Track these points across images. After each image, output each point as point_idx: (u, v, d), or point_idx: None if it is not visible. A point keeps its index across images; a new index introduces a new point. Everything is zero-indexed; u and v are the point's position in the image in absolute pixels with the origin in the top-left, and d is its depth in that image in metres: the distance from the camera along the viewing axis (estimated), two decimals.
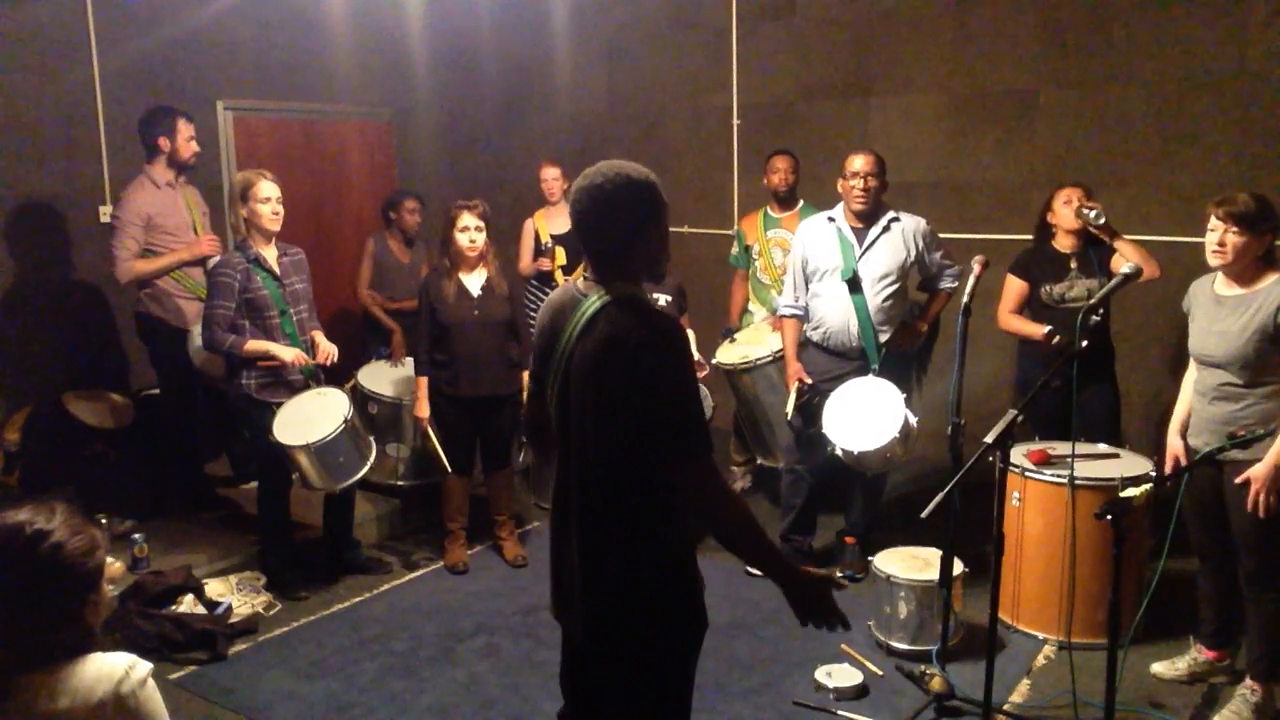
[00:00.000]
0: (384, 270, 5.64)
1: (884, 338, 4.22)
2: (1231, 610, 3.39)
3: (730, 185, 6.37)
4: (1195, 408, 3.26)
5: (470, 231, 4.37)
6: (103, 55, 5.32)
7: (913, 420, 4.04)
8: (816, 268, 4.26)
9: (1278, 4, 4.64)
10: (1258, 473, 3.02)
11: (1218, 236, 3.06)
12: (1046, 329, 4.05)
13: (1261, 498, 3.01)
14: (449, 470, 4.51)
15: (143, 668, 1.74)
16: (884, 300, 4.19)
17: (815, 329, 4.30)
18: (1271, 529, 3.09)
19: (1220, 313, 3.13)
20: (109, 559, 4.12)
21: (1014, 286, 4.30)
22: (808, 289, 4.32)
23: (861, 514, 4.48)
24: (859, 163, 4.18)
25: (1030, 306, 4.27)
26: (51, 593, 1.67)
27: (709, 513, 2.10)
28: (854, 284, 4.17)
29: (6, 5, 4.96)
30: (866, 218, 4.22)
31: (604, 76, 6.83)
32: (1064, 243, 4.19)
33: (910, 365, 4.48)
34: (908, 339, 4.35)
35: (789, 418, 4.32)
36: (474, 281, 4.46)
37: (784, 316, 4.43)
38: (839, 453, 4.06)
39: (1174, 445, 3.38)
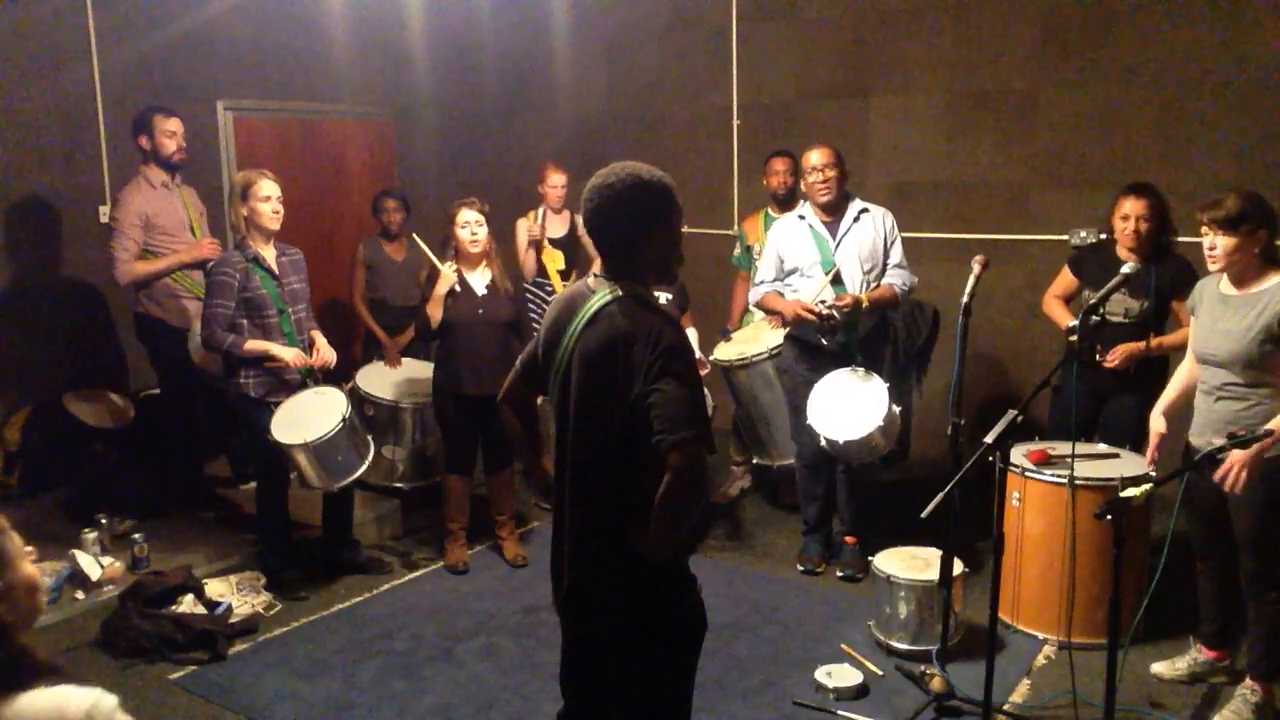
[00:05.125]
0: (378, 271, 5.64)
1: (864, 328, 4.25)
2: (1232, 610, 3.39)
3: (730, 185, 6.37)
4: (1199, 407, 3.26)
5: (470, 226, 4.38)
6: (103, 55, 5.32)
7: (895, 410, 4.06)
8: (795, 265, 4.30)
9: (1278, 4, 4.64)
10: (1237, 456, 2.99)
11: (1209, 241, 3.10)
12: (1070, 324, 3.94)
13: (1233, 473, 2.98)
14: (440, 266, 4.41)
15: (109, 701, 1.37)
16: (865, 290, 4.21)
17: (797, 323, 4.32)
18: (1273, 529, 3.08)
19: (1225, 312, 3.14)
20: (110, 559, 4.14)
21: (1065, 278, 4.21)
22: (784, 281, 4.36)
23: (846, 507, 4.49)
24: (815, 158, 4.23)
25: (1076, 306, 4.14)
26: None
27: (690, 493, 2.06)
28: (836, 278, 4.20)
29: (6, 5, 4.96)
30: (834, 209, 4.25)
31: (604, 76, 6.83)
32: (1125, 252, 3.98)
33: (885, 354, 4.47)
34: (845, 304, 4.12)
35: (823, 325, 4.14)
36: (478, 281, 4.47)
37: (765, 294, 4.40)
38: (823, 443, 4.10)
39: (1156, 426, 3.42)
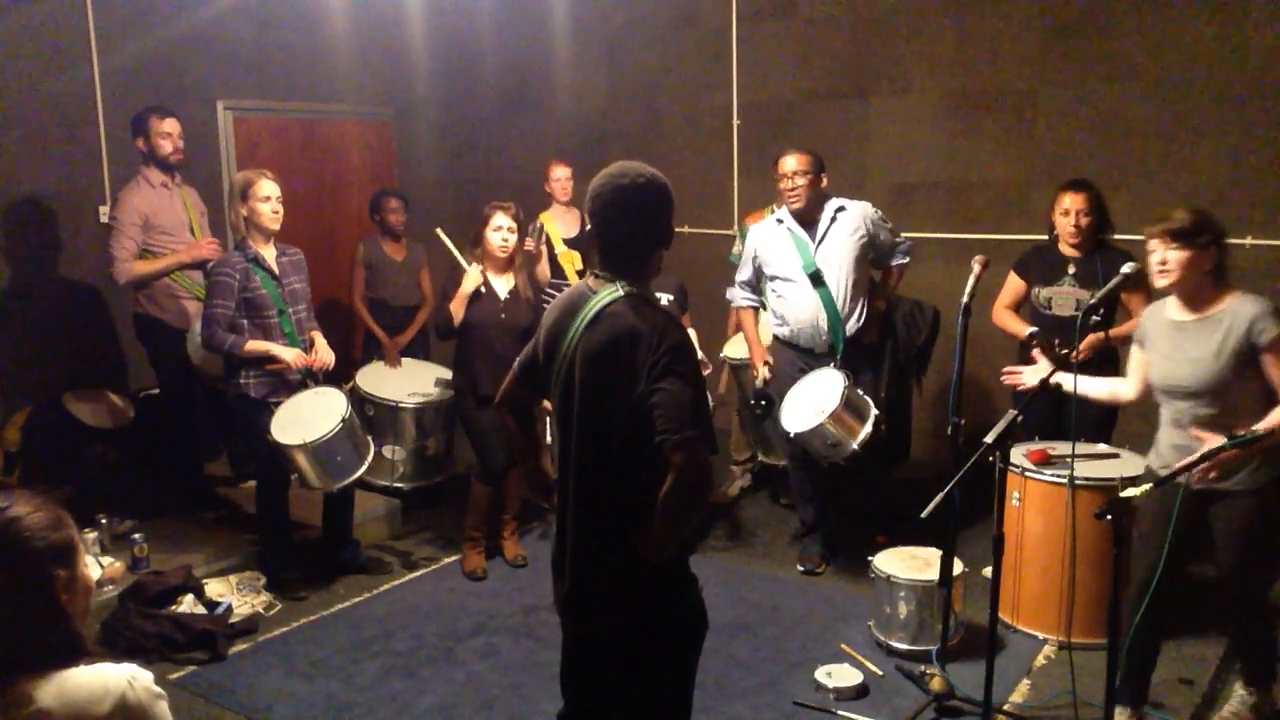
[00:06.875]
0: (378, 271, 5.64)
1: (851, 327, 4.26)
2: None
3: (730, 185, 6.37)
4: (1171, 439, 3.10)
5: (503, 231, 4.39)
6: (103, 55, 5.31)
7: (859, 407, 4.05)
8: (775, 271, 4.31)
9: (1278, 4, 4.64)
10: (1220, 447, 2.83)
11: (1159, 256, 2.94)
12: (1029, 331, 4.00)
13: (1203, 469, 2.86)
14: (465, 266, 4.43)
15: (145, 676, 1.61)
16: (849, 288, 4.23)
17: (781, 326, 4.35)
18: (1256, 557, 3.04)
19: (1184, 339, 2.98)
20: (110, 559, 4.14)
21: (1012, 283, 4.27)
22: (764, 287, 4.39)
23: (869, 505, 4.51)
24: (788, 164, 4.22)
25: (1029, 307, 4.24)
26: (15, 569, 1.54)
27: (693, 492, 2.07)
28: (817, 278, 4.21)
29: (6, 5, 4.96)
30: (808, 213, 4.26)
31: (604, 76, 6.83)
32: (1066, 247, 4.09)
33: (885, 354, 4.50)
34: (871, 330, 4.35)
35: (751, 401, 4.42)
36: (501, 285, 4.47)
37: (741, 308, 4.50)
38: (791, 438, 4.12)
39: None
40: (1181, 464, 2.80)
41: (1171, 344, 3.01)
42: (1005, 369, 3.44)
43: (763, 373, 4.36)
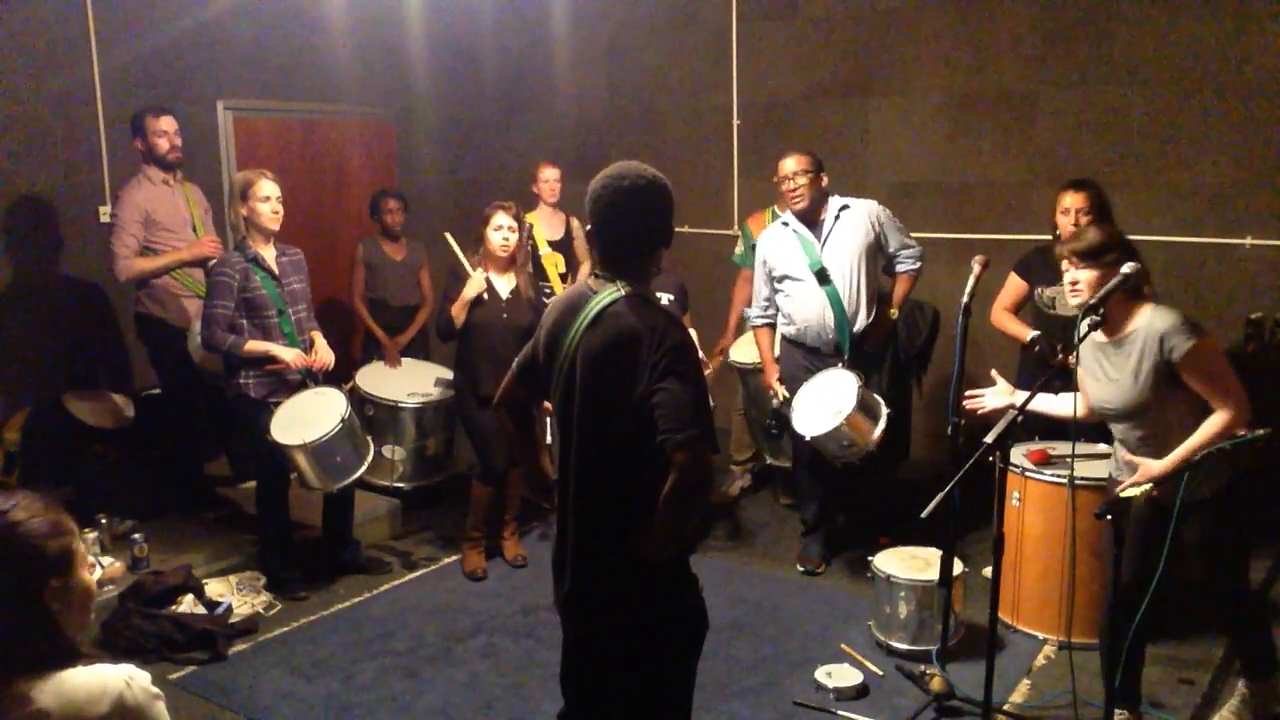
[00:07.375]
0: (378, 271, 5.65)
1: (859, 326, 4.26)
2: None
3: (730, 185, 6.37)
4: (1121, 455, 3.12)
5: (504, 230, 4.38)
6: (103, 55, 5.31)
7: (873, 407, 4.04)
8: (784, 273, 4.32)
9: (1278, 4, 4.64)
10: (1152, 469, 2.89)
11: (1070, 276, 2.95)
12: (1031, 334, 4.01)
13: (1139, 485, 2.86)
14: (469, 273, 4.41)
15: (142, 676, 1.61)
16: (855, 286, 4.23)
17: (789, 325, 4.36)
18: (1223, 563, 3.03)
19: (1106, 361, 2.98)
20: (110, 559, 4.14)
21: (1013, 285, 4.27)
22: (775, 293, 4.39)
23: (815, 506, 4.54)
24: (788, 165, 4.24)
25: (1031, 307, 4.24)
26: (6, 575, 1.53)
27: (695, 492, 2.08)
28: (823, 276, 4.21)
29: (6, 5, 4.96)
30: (812, 213, 4.27)
31: (604, 76, 6.83)
32: None
33: (885, 354, 4.50)
34: (878, 334, 4.36)
35: (768, 421, 4.49)
36: (503, 285, 4.47)
37: (756, 327, 4.51)
38: (808, 439, 4.11)
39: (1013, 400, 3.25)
40: (1170, 465, 2.82)
41: (1098, 366, 3.01)
42: (967, 393, 3.40)
43: (781, 392, 4.35)
